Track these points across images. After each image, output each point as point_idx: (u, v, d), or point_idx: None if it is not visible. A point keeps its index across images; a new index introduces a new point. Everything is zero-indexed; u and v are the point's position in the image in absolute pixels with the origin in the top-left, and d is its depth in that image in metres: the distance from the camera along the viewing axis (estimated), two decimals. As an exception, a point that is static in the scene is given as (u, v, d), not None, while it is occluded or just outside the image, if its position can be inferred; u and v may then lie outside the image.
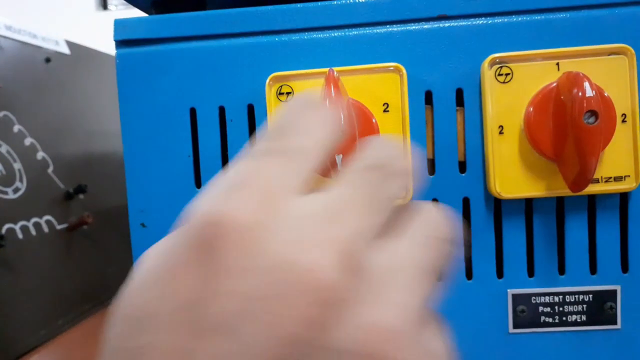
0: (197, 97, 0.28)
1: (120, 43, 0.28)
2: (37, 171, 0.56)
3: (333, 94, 0.24)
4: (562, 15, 0.27)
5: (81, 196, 0.61)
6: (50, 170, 0.58)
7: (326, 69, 0.27)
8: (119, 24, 0.28)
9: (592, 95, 0.23)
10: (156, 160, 0.28)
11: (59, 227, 0.57)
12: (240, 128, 0.28)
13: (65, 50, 0.64)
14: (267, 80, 0.27)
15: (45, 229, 0.55)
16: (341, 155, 0.24)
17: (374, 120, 0.26)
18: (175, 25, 0.28)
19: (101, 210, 0.64)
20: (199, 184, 0.29)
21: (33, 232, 0.53)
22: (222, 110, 0.28)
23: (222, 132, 0.29)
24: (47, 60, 0.60)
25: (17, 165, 0.53)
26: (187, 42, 0.28)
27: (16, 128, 0.54)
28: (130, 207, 0.29)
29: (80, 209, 0.61)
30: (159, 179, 0.29)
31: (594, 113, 0.23)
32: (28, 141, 0.55)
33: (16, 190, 0.52)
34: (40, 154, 0.57)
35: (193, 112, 0.29)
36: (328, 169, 0.26)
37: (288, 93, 0.27)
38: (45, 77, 0.60)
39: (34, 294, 0.52)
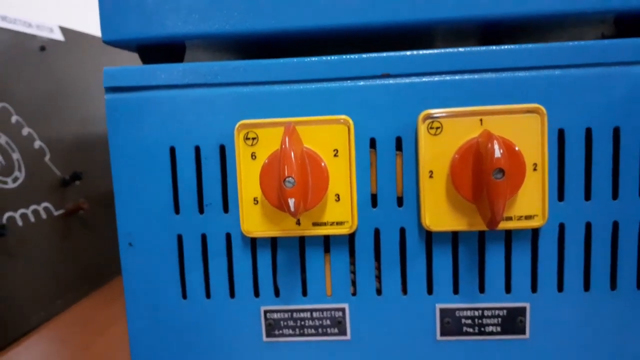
0: (176, 137, 0.33)
1: (109, 89, 0.32)
2: (35, 160, 0.58)
3: (287, 145, 0.28)
4: (488, 75, 0.31)
5: (77, 182, 0.64)
6: (47, 158, 0.60)
7: (286, 119, 0.31)
8: (107, 73, 0.32)
9: (499, 155, 0.27)
10: (141, 191, 0.33)
11: (56, 213, 0.60)
12: (213, 165, 0.33)
13: (59, 37, 0.66)
14: (236, 127, 0.31)
15: (44, 215, 0.58)
16: (294, 199, 0.29)
17: (323, 164, 0.31)
18: (156, 75, 0.32)
19: (96, 196, 0.67)
20: (177, 211, 0.33)
21: (32, 219, 0.56)
22: (197, 150, 0.33)
23: (197, 168, 0.33)
24: (42, 48, 0.62)
25: (15, 155, 0.55)
26: (168, 90, 0.32)
27: (14, 119, 0.56)
28: (120, 231, 0.34)
29: (76, 195, 0.63)
30: (143, 207, 0.33)
31: (501, 170, 0.28)
32: (25, 131, 0.57)
33: (15, 179, 0.55)
34: (38, 143, 0.59)
35: (172, 150, 0.33)
36: (283, 209, 0.30)
37: (253, 138, 0.32)
38: (40, 66, 0.61)
39: (33, 277, 0.55)
